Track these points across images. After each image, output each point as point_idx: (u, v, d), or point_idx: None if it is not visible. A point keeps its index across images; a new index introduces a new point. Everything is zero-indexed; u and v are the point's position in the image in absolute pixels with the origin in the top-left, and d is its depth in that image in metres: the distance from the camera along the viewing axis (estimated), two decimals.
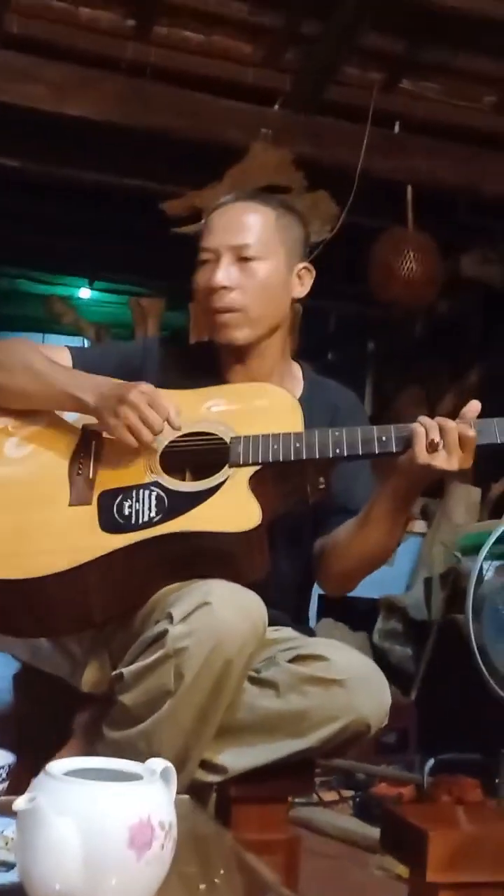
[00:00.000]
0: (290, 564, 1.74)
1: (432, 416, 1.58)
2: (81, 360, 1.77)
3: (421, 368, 5.34)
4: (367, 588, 2.40)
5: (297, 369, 1.85)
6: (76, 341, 8.38)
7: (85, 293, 6.14)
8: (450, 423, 1.54)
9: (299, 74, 3.67)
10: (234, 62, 3.62)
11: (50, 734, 1.75)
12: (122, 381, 1.65)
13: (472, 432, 1.53)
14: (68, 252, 5.24)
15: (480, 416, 1.58)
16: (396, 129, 3.94)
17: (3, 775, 1.16)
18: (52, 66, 3.44)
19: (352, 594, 1.88)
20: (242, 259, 1.71)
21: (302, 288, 1.79)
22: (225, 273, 1.70)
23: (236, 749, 1.54)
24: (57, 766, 0.92)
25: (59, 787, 0.88)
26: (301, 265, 1.78)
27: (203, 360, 1.80)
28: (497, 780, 2.86)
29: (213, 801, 1.63)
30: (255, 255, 1.71)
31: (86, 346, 8.04)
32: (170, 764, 0.97)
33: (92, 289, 6.07)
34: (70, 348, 1.81)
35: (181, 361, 1.81)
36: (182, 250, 4.02)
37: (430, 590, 3.99)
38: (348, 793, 3.12)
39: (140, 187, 4.07)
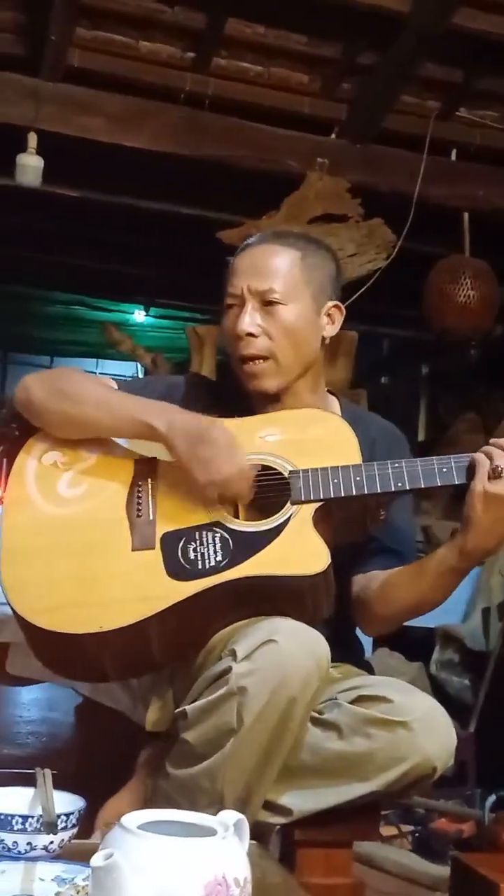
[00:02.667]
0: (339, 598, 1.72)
1: (488, 443, 1.55)
2: (126, 390, 1.73)
3: (476, 394, 5.30)
4: (423, 617, 2.36)
5: (333, 402, 1.81)
6: (131, 367, 8.49)
7: (140, 317, 6.19)
8: None
9: (356, 104, 3.68)
10: (292, 92, 3.64)
11: (111, 767, 1.74)
12: (191, 413, 1.63)
13: None
14: (125, 278, 5.30)
15: None
16: (453, 156, 3.94)
17: (74, 821, 1.16)
18: (112, 98, 3.49)
19: (408, 623, 1.84)
20: (267, 303, 1.66)
21: (332, 327, 1.73)
22: (250, 319, 1.66)
23: (301, 791, 1.52)
24: (132, 818, 0.92)
25: (135, 842, 0.87)
26: (331, 304, 1.72)
27: (241, 398, 1.75)
28: None
29: (275, 843, 1.61)
30: (280, 300, 1.66)
31: (139, 372, 8.11)
32: (243, 816, 0.96)
33: (147, 315, 6.13)
34: (116, 379, 1.79)
35: (222, 396, 1.78)
36: None
37: (489, 620, 3.93)
38: (407, 827, 3.07)
39: (197, 216, 4.10)
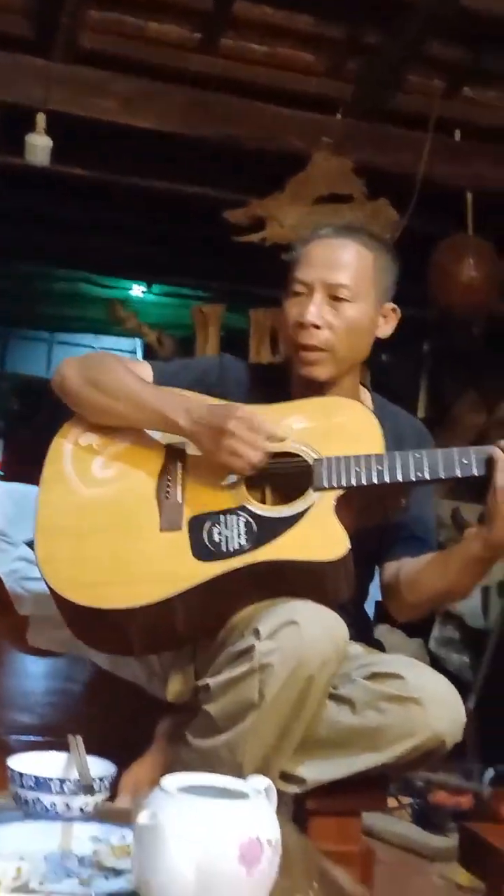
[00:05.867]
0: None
1: (490, 422, 1.59)
2: (161, 375, 1.80)
3: (478, 372, 5.33)
4: None
5: (366, 396, 1.87)
6: (131, 344, 8.50)
7: (143, 294, 6.21)
8: None
9: (361, 83, 3.69)
10: (298, 72, 3.65)
11: (127, 737, 1.81)
12: (212, 404, 1.68)
13: None
14: (129, 256, 5.32)
15: None
16: (457, 136, 3.95)
17: (107, 785, 1.22)
18: (122, 79, 3.50)
19: None
20: (335, 298, 1.72)
21: (387, 327, 1.79)
22: (317, 311, 1.71)
23: (315, 762, 1.59)
24: (170, 782, 0.97)
25: (175, 804, 0.93)
26: (389, 305, 1.78)
27: (277, 382, 1.82)
28: None
29: (288, 811, 1.68)
30: (348, 297, 1.72)
31: (139, 350, 8.13)
32: (271, 782, 1.01)
33: (150, 292, 6.15)
34: (151, 363, 1.85)
35: (256, 380, 1.84)
36: (242, 257, 4.09)
37: (488, 598, 3.99)
38: (407, 800, 3.14)
39: (202, 195, 4.12)
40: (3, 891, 0.92)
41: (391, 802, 3.07)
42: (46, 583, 1.66)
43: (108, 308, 5.24)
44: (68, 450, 1.77)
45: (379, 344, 1.83)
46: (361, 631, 1.81)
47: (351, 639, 1.71)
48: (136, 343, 8.30)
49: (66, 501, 1.71)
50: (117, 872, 1.08)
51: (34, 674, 2.70)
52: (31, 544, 2.34)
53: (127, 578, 1.61)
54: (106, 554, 1.63)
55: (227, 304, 4.70)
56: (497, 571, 4.03)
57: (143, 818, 0.92)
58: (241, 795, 0.99)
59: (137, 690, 1.91)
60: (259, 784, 1.00)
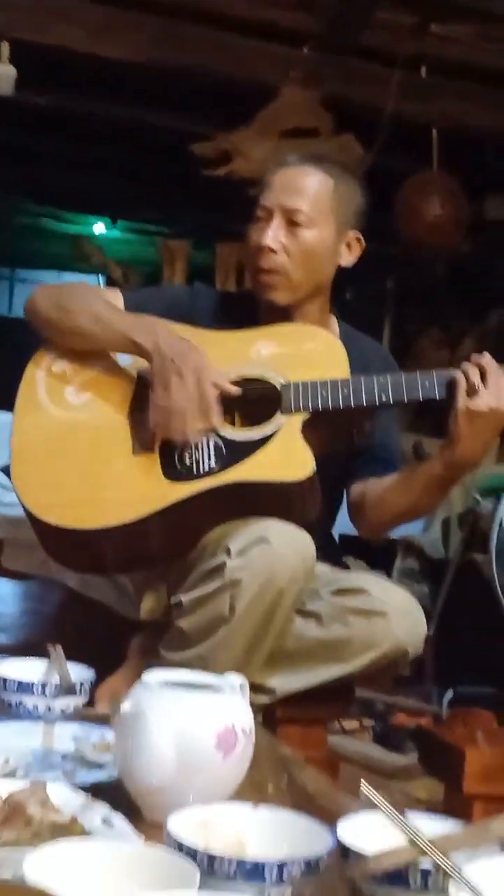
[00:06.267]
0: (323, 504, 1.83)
1: (453, 359, 1.64)
2: (133, 302, 1.83)
3: (441, 310, 5.38)
4: None
5: (333, 324, 1.91)
6: (94, 281, 8.43)
7: (107, 230, 6.16)
8: (486, 359, 1.61)
9: (331, 17, 3.66)
10: (268, 4, 3.62)
11: (101, 653, 1.87)
12: (179, 337, 1.71)
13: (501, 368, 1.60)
14: (94, 191, 5.27)
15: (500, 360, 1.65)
16: (424, 71, 3.94)
17: (87, 688, 1.28)
18: (89, 7, 3.45)
19: None
20: (293, 223, 1.75)
21: (350, 257, 1.82)
22: (274, 235, 1.74)
23: (284, 674, 1.66)
24: (152, 676, 1.03)
25: (157, 695, 0.99)
26: (352, 234, 1.80)
27: (246, 309, 1.86)
28: None
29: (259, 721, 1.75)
30: (305, 222, 1.74)
31: (102, 283, 8.06)
32: (244, 680, 1.08)
33: (115, 228, 6.10)
34: (122, 292, 1.88)
35: (226, 307, 1.88)
36: (208, 192, 4.08)
37: (448, 530, 4.08)
38: (369, 722, 3.24)
39: (169, 128, 4.09)
40: None
41: (354, 725, 3.18)
42: (23, 506, 1.70)
43: (74, 243, 5.20)
44: (41, 377, 1.80)
45: (344, 280, 1.86)
46: (329, 554, 1.87)
47: (319, 560, 1.79)
48: (100, 281, 8.24)
49: (41, 427, 1.75)
50: (99, 766, 1.14)
51: (6, 596, 2.76)
52: (4, 470, 2.38)
53: (101, 499, 1.65)
54: (80, 476, 1.68)
55: (193, 239, 4.69)
56: (457, 503, 4.13)
57: (126, 707, 0.98)
58: (218, 689, 1.05)
59: (108, 611, 1.97)
60: (234, 680, 1.06)
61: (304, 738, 1.70)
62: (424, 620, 1.67)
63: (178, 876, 0.74)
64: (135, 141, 4.49)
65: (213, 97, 3.84)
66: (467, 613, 3.59)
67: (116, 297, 1.84)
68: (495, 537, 2.99)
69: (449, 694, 3.07)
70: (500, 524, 3.03)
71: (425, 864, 0.77)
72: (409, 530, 4.20)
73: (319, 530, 1.84)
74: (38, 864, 0.74)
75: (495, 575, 2.94)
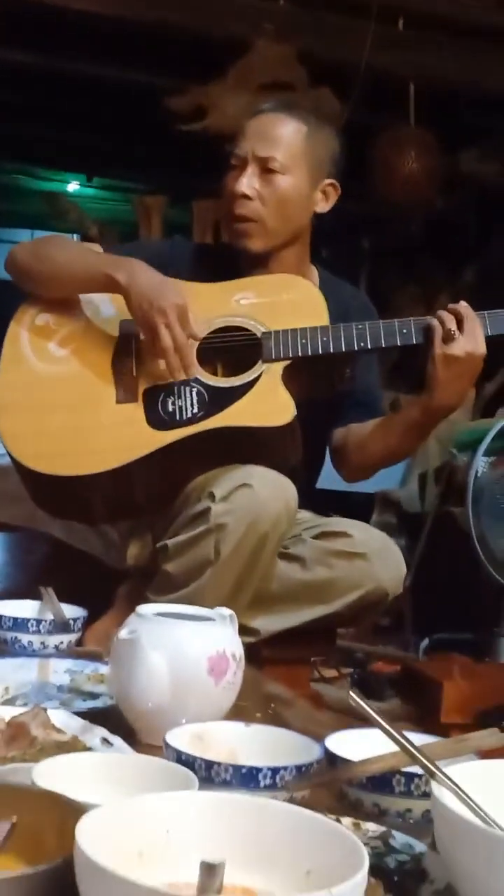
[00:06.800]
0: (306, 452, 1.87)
1: (430, 315, 1.68)
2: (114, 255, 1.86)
3: (417, 267, 5.40)
4: (363, 483, 2.53)
5: (313, 272, 1.94)
6: (73, 238, 8.36)
7: (76, 186, 6.12)
8: (462, 307, 1.65)
9: None
10: None
11: (89, 601, 1.91)
12: (158, 276, 1.73)
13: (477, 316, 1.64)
14: (66, 148, 5.22)
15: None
16: (400, 25, 3.93)
17: (80, 625, 1.32)
18: None
19: (348, 489, 2.02)
20: (266, 170, 1.77)
21: (325, 204, 1.84)
22: (248, 182, 1.77)
23: (269, 615, 1.71)
24: (145, 608, 1.07)
25: (152, 624, 1.03)
26: (327, 181, 1.83)
27: (226, 260, 1.88)
28: (487, 659, 3.06)
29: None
30: (279, 168, 1.77)
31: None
32: (233, 612, 1.12)
33: (90, 185, 6.06)
34: (102, 246, 1.90)
35: (206, 259, 1.90)
36: (184, 148, 4.06)
37: (425, 484, 4.14)
38: (347, 670, 3.31)
39: (143, 82, 4.06)
40: None
41: (333, 673, 3.25)
42: (11, 456, 1.73)
43: (49, 200, 5.16)
44: (25, 331, 1.83)
45: (319, 239, 1.88)
46: (312, 504, 1.92)
47: (302, 508, 1.83)
48: (76, 239, 8.17)
49: (26, 380, 1.78)
50: (94, 696, 1.18)
51: None
52: None
53: (87, 448, 1.69)
54: (66, 426, 1.71)
55: (168, 196, 4.67)
56: (434, 458, 4.19)
57: (122, 634, 1.02)
58: (209, 620, 1.09)
59: (95, 562, 2.01)
60: (224, 611, 1.11)
61: (288, 678, 1.75)
62: (404, 562, 1.73)
63: (179, 782, 0.79)
64: (109, 97, 4.45)
65: (187, 51, 3.81)
66: (443, 565, 3.67)
67: (96, 250, 1.87)
68: (471, 489, 3.04)
69: (426, 642, 3.15)
70: (476, 475, 3.08)
71: (408, 769, 0.82)
72: (386, 485, 4.27)
73: (303, 481, 1.89)
74: (46, 772, 0.78)
75: (472, 525, 3.00)
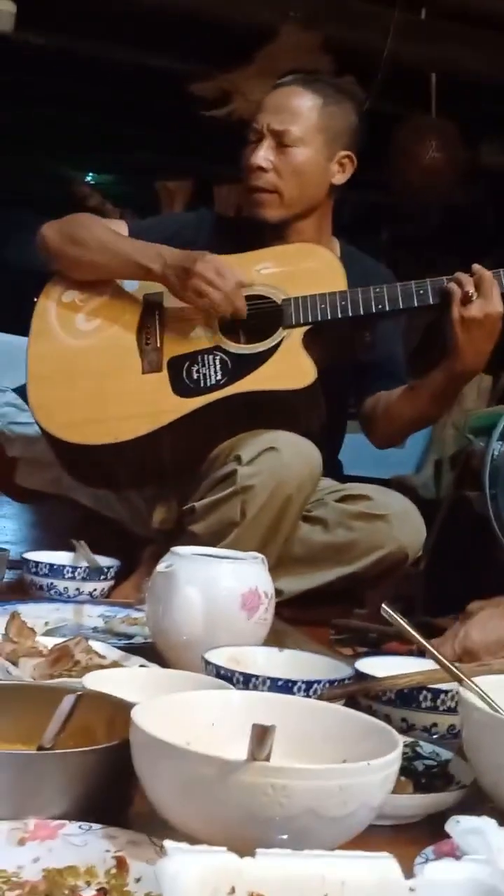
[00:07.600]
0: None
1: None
2: (137, 229, 1.91)
3: (435, 258, 5.42)
4: (379, 468, 2.59)
5: (335, 243, 1.99)
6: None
7: (96, 173, 6.16)
8: (477, 268, 1.69)
9: None
10: None
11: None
12: (183, 251, 1.79)
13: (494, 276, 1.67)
14: (88, 132, 5.27)
15: None
16: (423, 14, 3.95)
17: (114, 573, 1.37)
18: None
19: (363, 474, 2.07)
20: (283, 143, 1.82)
21: (342, 175, 1.89)
22: (264, 154, 1.82)
23: (291, 577, 1.76)
24: (182, 548, 1.12)
25: (187, 560, 1.08)
26: (343, 153, 1.87)
27: (250, 232, 1.93)
28: None
29: None
30: (294, 141, 1.82)
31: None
32: (264, 556, 1.17)
33: (111, 171, 6.10)
34: (127, 221, 1.95)
35: (231, 231, 1.96)
36: (207, 134, 4.10)
37: (440, 470, 4.17)
38: (362, 650, 3.35)
39: (168, 68, 4.09)
40: (39, 635, 1.06)
41: (347, 651, 3.29)
42: (40, 426, 1.79)
43: (71, 185, 5.20)
44: (52, 306, 1.90)
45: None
46: (334, 473, 1.97)
47: (325, 476, 1.88)
48: None
49: (54, 352, 1.85)
50: (128, 636, 1.23)
51: (19, 513, 2.85)
52: (17, 390, 2.45)
53: (114, 416, 1.75)
54: (93, 396, 1.78)
55: (192, 181, 4.70)
56: (450, 445, 4.23)
57: (160, 567, 1.07)
58: (242, 560, 1.14)
59: (121, 528, 2.06)
60: (256, 555, 1.16)
61: (311, 638, 1.80)
62: (423, 525, 1.78)
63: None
64: (133, 82, 4.49)
65: (213, 37, 3.84)
66: (458, 550, 3.70)
67: (121, 227, 1.92)
68: (488, 469, 3.08)
69: None
70: (493, 456, 3.12)
71: (434, 686, 0.86)
72: (401, 470, 4.31)
73: (327, 453, 1.94)
74: (94, 682, 0.83)
75: (489, 506, 3.03)
